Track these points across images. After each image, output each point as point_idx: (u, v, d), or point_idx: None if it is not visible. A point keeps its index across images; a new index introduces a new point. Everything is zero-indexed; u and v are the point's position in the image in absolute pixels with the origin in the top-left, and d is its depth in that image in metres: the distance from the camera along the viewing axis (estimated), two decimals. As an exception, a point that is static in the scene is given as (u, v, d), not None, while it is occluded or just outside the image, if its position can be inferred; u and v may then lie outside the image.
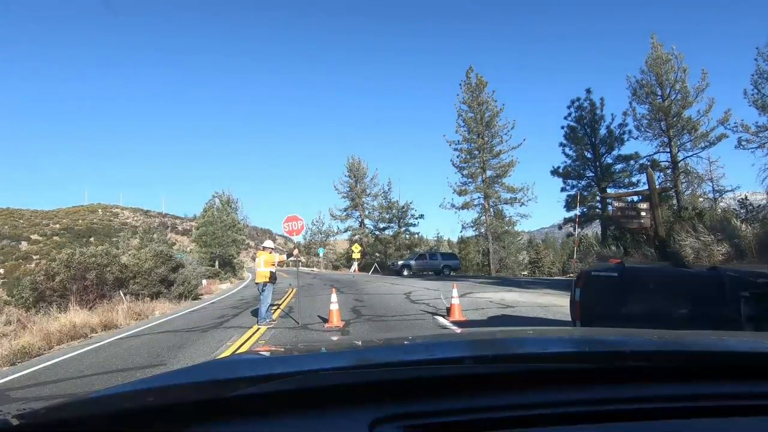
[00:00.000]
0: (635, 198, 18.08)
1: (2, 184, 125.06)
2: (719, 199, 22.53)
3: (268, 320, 8.85)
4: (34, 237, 61.60)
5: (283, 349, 1.60)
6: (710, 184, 23.19)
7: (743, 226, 13.68)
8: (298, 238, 10.60)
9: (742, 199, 16.32)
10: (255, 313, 9.74)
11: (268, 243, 9.64)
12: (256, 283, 9.17)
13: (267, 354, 1.45)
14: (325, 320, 8.44)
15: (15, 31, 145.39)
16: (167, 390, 0.86)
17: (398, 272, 27.72)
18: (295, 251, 9.65)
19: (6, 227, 62.63)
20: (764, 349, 1.14)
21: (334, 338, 5.74)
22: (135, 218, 76.21)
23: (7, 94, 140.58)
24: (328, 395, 0.82)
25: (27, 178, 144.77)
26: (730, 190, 22.46)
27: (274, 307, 11.45)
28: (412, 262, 28.19)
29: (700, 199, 22.20)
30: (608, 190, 25.09)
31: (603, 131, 26.61)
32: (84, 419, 0.79)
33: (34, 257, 53.43)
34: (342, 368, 0.99)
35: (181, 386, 0.88)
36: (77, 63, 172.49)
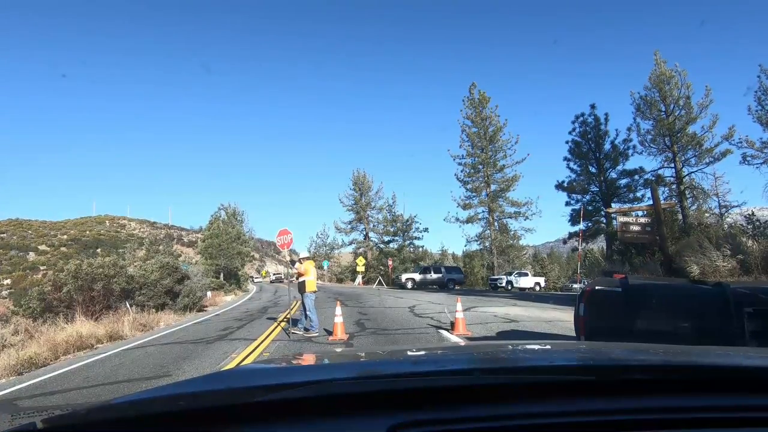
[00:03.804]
0: (640, 213, 18.02)
1: (11, 195, 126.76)
2: (725, 214, 22.43)
3: (315, 330, 8.81)
4: (42, 248, 62.03)
5: (296, 360, 1.65)
6: (716, 199, 23.14)
7: (750, 241, 13.59)
8: (300, 249, 10.88)
9: (749, 214, 16.24)
10: (295, 323, 9.70)
11: (304, 253, 9.93)
12: (314, 292, 9.13)
13: (282, 364, 1.50)
14: (330, 333, 8.45)
15: (21, 43, 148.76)
16: (197, 395, 0.90)
17: (402, 285, 27.65)
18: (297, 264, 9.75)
19: (14, 238, 63.17)
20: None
21: (338, 350, 5.74)
22: (141, 229, 76.65)
23: (15, 105, 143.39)
24: (344, 403, 0.85)
25: (35, 189, 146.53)
26: (737, 206, 22.40)
27: (275, 322, 11.47)
28: (417, 276, 28.13)
29: (706, 215, 22.09)
30: (613, 205, 25.03)
31: (607, 146, 26.68)
32: (112, 422, 0.84)
33: (41, 268, 53.77)
34: (357, 378, 1.02)
35: (209, 392, 0.92)
36: (86, 76, 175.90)
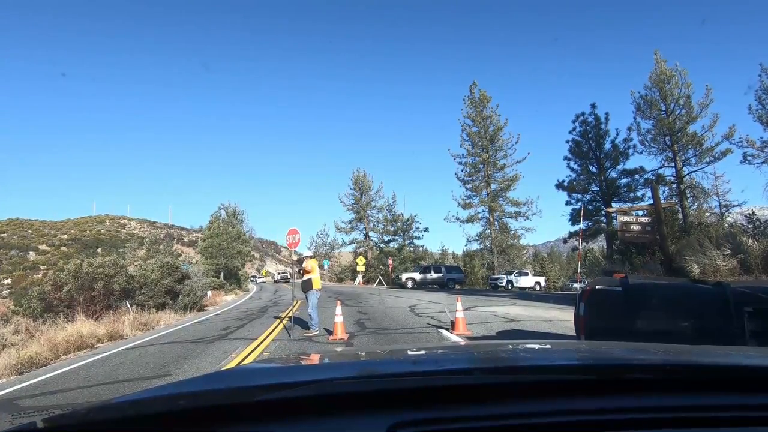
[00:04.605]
0: (640, 212, 18.03)
1: (12, 194, 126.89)
2: (726, 214, 22.42)
3: (315, 329, 8.80)
4: (42, 247, 62.08)
5: (296, 360, 1.65)
6: (716, 198, 23.12)
7: (750, 241, 13.59)
8: (298, 249, 11.12)
9: (749, 214, 16.24)
10: (303, 325, 9.74)
11: (308, 252, 10.10)
12: (319, 290, 9.11)
13: (282, 364, 1.51)
14: (330, 332, 8.45)
15: (21, 43, 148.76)
16: (198, 395, 0.90)
17: (402, 285, 27.66)
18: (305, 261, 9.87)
19: (15, 237, 63.22)
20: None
21: (338, 349, 5.75)
22: (142, 229, 76.70)
23: (15, 105, 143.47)
24: (344, 403, 0.85)
25: (36, 188, 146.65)
26: (737, 205, 22.40)
27: (275, 321, 11.48)
28: (417, 275, 28.14)
29: (706, 214, 22.08)
30: (613, 205, 25.01)
31: (608, 146, 26.65)
32: (113, 422, 0.84)
33: (42, 267, 53.81)
34: (357, 377, 1.03)
35: (209, 392, 0.92)
36: (85, 75, 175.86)
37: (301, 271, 9.23)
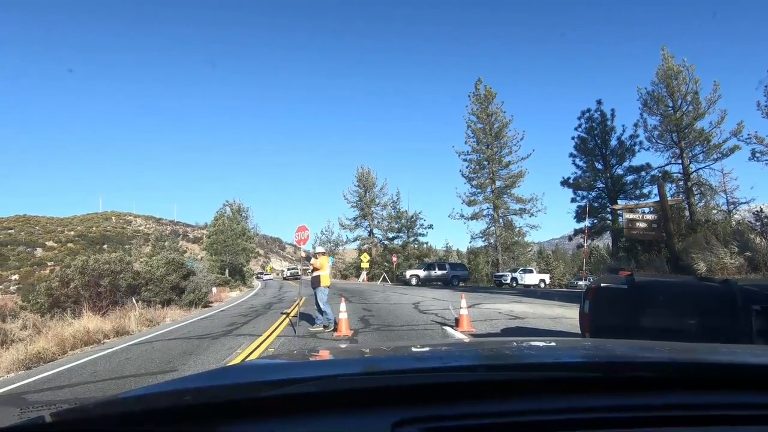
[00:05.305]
0: (646, 210, 17.91)
1: (19, 191, 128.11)
2: (733, 211, 22.21)
3: (331, 321, 8.78)
4: (49, 243, 62.69)
5: (300, 356, 1.65)
6: (724, 196, 22.90)
7: (758, 238, 13.48)
8: (306, 247, 11.07)
9: (757, 211, 16.08)
10: (309, 321, 9.78)
11: (320, 248, 10.12)
12: (328, 287, 9.16)
13: (287, 360, 1.51)
14: (335, 329, 8.48)
15: (27, 40, 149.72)
16: (203, 390, 0.91)
17: (406, 282, 27.67)
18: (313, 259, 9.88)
19: (22, 234, 63.85)
20: None
21: (342, 346, 5.77)
22: (147, 226, 77.23)
23: (22, 102, 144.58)
24: (349, 399, 0.85)
25: (43, 185, 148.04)
26: (745, 202, 22.17)
27: (280, 318, 11.53)
28: (421, 272, 28.14)
29: (714, 211, 21.90)
30: (619, 202, 24.85)
31: (614, 142, 26.49)
32: (119, 417, 0.85)
33: (49, 263, 54.33)
34: (361, 374, 1.03)
35: (214, 388, 0.93)
36: (92, 72, 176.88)
37: (311, 268, 9.28)
